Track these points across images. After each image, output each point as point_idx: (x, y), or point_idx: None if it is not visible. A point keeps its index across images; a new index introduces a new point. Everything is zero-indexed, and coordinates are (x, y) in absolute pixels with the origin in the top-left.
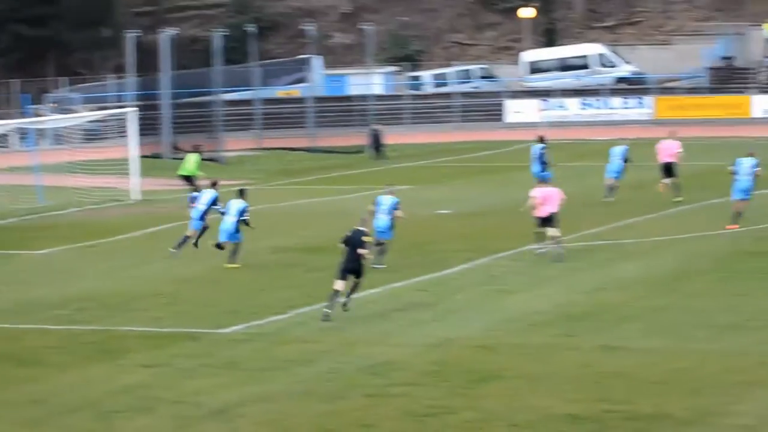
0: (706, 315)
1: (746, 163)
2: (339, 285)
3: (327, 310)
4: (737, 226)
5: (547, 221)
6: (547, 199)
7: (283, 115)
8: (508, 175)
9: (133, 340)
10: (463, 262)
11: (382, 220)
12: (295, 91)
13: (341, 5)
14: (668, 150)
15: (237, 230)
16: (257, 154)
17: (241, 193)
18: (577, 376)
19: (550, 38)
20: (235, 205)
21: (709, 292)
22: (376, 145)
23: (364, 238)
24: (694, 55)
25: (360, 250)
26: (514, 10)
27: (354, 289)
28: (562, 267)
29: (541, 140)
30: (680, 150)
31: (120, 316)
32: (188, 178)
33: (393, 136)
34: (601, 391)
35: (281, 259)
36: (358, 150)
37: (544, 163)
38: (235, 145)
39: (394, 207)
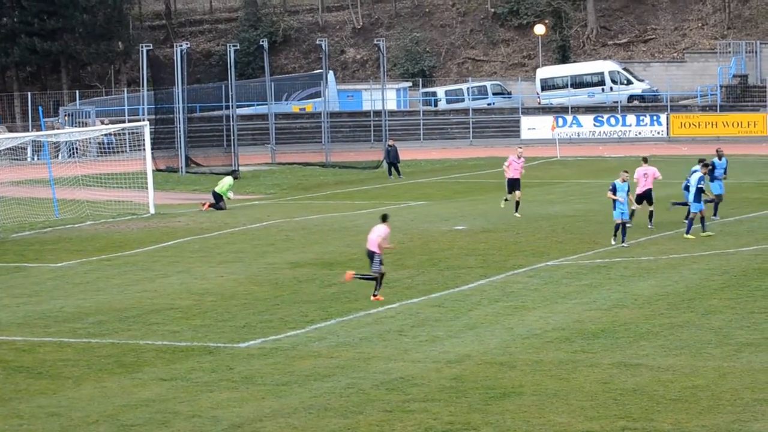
0: (724, 332)
1: None
2: None
3: None
4: None
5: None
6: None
7: (297, 130)
8: (522, 191)
9: (150, 353)
10: (479, 279)
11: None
12: (309, 105)
13: (354, 20)
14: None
15: None
16: (272, 169)
17: None
18: (595, 393)
19: (563, 55)
20: None
21: (726, 310)
22: (392, 160)
23: None
24: (707, 73)
25: None
26: (527, 26)
27: None
28: (579, 284)
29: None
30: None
31: (137, 329)
32: (218, 197)
33: (407, 152)
34: (619, 408)
35: (297, 273)
36: (375, 165)
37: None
38: (248, 159)
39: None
